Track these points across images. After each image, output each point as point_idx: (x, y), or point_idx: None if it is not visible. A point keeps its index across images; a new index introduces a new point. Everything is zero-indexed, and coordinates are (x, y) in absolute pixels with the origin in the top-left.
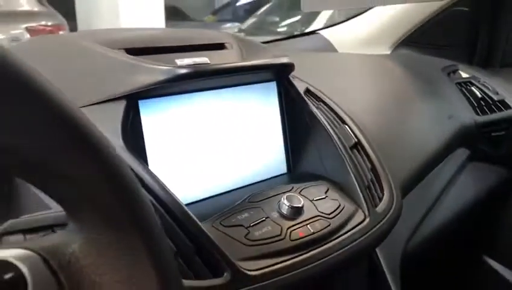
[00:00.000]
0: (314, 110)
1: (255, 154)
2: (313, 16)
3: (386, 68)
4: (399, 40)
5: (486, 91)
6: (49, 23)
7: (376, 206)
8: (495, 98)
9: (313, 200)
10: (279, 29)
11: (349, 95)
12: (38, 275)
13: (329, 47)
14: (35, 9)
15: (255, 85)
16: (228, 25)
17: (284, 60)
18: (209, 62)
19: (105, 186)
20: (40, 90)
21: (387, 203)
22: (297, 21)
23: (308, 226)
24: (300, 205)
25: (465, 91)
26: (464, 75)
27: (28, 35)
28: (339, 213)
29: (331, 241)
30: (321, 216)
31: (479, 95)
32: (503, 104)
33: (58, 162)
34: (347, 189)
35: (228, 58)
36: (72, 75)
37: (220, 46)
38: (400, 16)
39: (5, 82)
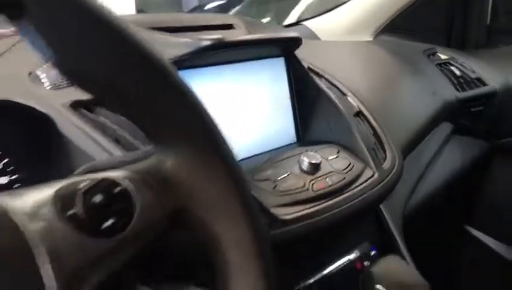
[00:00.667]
0: (320, 83)
1: (266, 125)
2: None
3: (370, 53)
4: (380, 27)
5: (464, 70)
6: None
7: (381, 165)
8: (472, 76)
9: (327, 159)
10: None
11: (338, 77)
12: (140, 191)
13: (312, 37)
14: None
15: (265, 60)
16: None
17: (294, 34)
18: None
19: (187, 112)
20: (134, 40)
21: (391, 162)
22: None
23: (327, 179)
24: (318, 162)
25: (445, 71)
26: (443, 56)
27: None
28: (351, 169)
29: (347, 192)
30: (336, 172)
31: (458, 74)
32: (480, 81)
33: (151, 97)
34: (355, 151)
35: (239, 36)
36: None
37: (230, 27)
38: (379, 4)
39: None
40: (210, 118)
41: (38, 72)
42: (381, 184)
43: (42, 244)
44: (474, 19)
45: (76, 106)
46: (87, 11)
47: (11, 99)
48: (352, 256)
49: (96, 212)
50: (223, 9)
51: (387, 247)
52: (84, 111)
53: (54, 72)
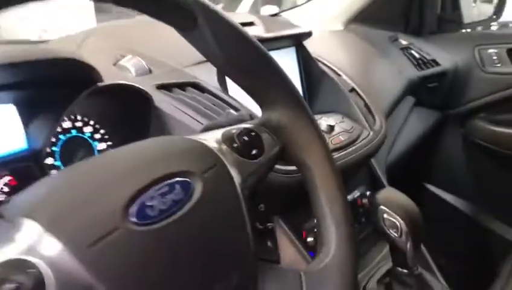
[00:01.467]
0: (322, 66)
1: None
2: (235, 1)
3: (345, 40)
4: (350, 18)
5: (422, 53)
6: None
7: (373, 127)
8: (428, 58)
9: (336, 122)
10: None
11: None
12: (264, 134)
13: None
14: None
15: (281, 50)
16: None
17: (306, 29)
18: None
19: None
20: (254, 41)
21: (379, 125)
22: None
23: (340, 136)
24: (333, 124)
25: (407, 54)
26: (404, 42)
27: None
28: (354, 130)
29: (353, 146)
30: (345, 131)
31: (417, 56)
32: (435, 62)
33: (262, 75)
34: (353, 117)
35: (260, 32)
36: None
37: (251, 24)
38: None
39: None
40: (296, 88)
41: (123, 63)
42: (374, 141)
43: (226, 161)
44: (428, 9)
45: (161, 87)
46: (234, 26)
47: (117, 82)
48: (355, 195)
49: (247, 146)
50: None
51: (377, 190)
52: (176, 90)
53: (137, 62)
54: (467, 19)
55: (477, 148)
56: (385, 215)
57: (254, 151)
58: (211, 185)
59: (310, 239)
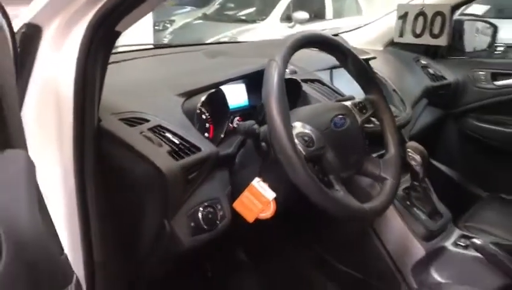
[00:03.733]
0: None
1: None
2: (268, 7)
3: (383, 58)
4: (387, 42)
5: (435, 71)
6: None
7: (406, 112)
8: (439, 74)
9: None
10: (240, 16)
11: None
12: (368, 104)
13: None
14: None
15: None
16: (187, 9)
17: (372, 55)
18: None
19: None
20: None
21: (408, 110)
22: (254, 10)
23: None
24: None
25: (425, 70)
26: (423, 62)
27: None
28: (396, 111)
29: (396, 118)
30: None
31: (432, 72)
32: (443, 77)
33: (362, 72)
34: (395, 105)
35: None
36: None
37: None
38: (387, 26)
39: None
40: (381, 91)
41: None
42: (405, 118)
43: (355, 113)
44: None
45: (303, 80)
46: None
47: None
48: None
49: (361, 108)
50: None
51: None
52: (310, 82)
53: (291, 68)
54: (468, 48)
55: (467, 137)
56: (409, 154)
57: (364, 111)
58: (351, 119)
59: None
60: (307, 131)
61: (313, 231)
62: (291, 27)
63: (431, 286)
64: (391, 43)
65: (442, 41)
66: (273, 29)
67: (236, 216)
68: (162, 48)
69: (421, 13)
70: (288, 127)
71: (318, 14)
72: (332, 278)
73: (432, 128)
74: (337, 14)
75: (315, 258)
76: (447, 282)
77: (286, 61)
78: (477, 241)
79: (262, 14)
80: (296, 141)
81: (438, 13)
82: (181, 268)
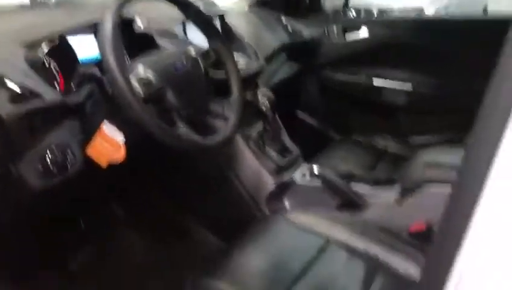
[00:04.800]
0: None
1: None
2: None
3: (247, 18)
4: (251, 2)
5: (294, 28)
6: None
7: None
8: (298, 31)
9: (242, 57)
10: None
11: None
12: (211, 53)
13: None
14: None
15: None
16: None
17: (222, 11)
18: None
19: None
20: None
21: (261, 61)
22: None
23: (240, 61)
24: (240, 59)
25: (284, 27)
26: (284, 21)
27: None
28: (249, 61)
29: (249, 65)
30: (245, 61)
31: (290, 30)
32: (301, 33)
33: None
34: (249, 57)
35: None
36: None
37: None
38: None
39: None
40: (225, 39)
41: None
42: (258, 66)
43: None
44: None
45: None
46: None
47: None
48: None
49: (205, 58)
50: None
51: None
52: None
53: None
54: (326, 7)
55: (325, 88)
56: (260, 100)
57: (207, 58)
58: (192, 63)
59: None
60: (148, 75)
61: (172, 175)
62: None
63: (281, 213)
64: (256, 4)
65: None
66: None
67: (91, 164)
68: None
69: None
70: (124, 71)
71: None
72: (198, 221)
73: (294, 80)
74: None
75: (179, 205)
76: (294, 207)
77: (120, 9)
78: (316, 170)
79: None
80: (136, 84)
81: None
82: (53, 221)
